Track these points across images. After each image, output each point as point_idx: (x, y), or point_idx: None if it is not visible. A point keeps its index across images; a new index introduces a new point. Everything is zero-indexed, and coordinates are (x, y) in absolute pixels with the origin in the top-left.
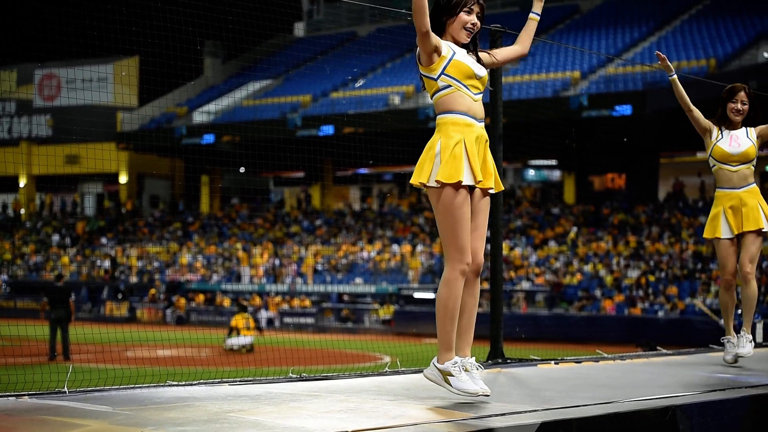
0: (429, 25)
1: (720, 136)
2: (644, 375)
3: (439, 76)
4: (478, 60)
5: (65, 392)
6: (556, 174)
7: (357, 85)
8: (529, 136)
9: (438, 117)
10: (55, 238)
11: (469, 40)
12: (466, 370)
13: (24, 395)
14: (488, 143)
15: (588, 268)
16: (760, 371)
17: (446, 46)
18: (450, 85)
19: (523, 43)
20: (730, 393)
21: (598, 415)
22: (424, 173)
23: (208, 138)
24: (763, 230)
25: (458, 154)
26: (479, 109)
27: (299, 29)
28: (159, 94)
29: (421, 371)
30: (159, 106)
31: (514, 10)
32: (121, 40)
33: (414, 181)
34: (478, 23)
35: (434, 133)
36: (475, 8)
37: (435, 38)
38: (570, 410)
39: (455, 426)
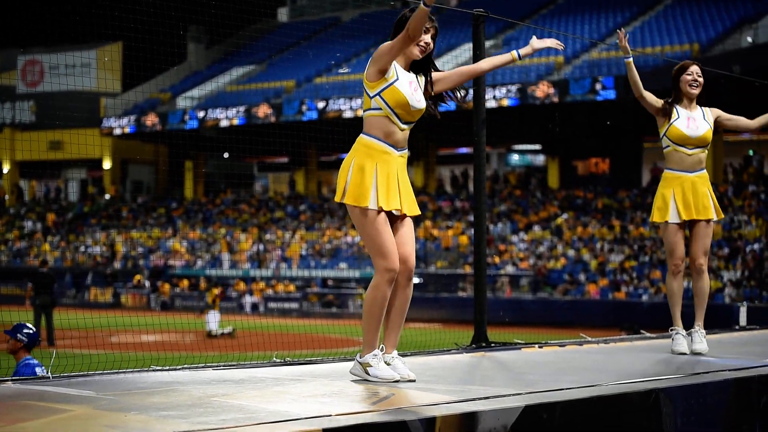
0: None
1: (677, 116)
2: (628, 358)
3: (374, 95)
4: (428, 82)
5: (49, 377)
6: (540, 159)
7: (341, 70)
8: (513, 121)
9: (360, 135)
10: (38, 225)
11: (421, 57)
12: (388, 364)
13: (7, 380)
14: (405, 172)
15: (572, 252)
16: (743, 354)
17: (393, 69)
18: (380, 108)
19: (483, 67)
20: (713, 376)
21: (581, 399)
22: (338, 191)
23: (192, 123)
24: (712, 220)
25: (367, 180)
26: (401, 139)
27: (283, 14)
28: (142, 80)
29: (405, 355)
30: (142, 91)
31: None
32: (104, 25)
33: (336, 198)
34: (432, 44)
35: (351, 150)
36: (431, 29)
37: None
38: (554, 393)
39: (438, 409)
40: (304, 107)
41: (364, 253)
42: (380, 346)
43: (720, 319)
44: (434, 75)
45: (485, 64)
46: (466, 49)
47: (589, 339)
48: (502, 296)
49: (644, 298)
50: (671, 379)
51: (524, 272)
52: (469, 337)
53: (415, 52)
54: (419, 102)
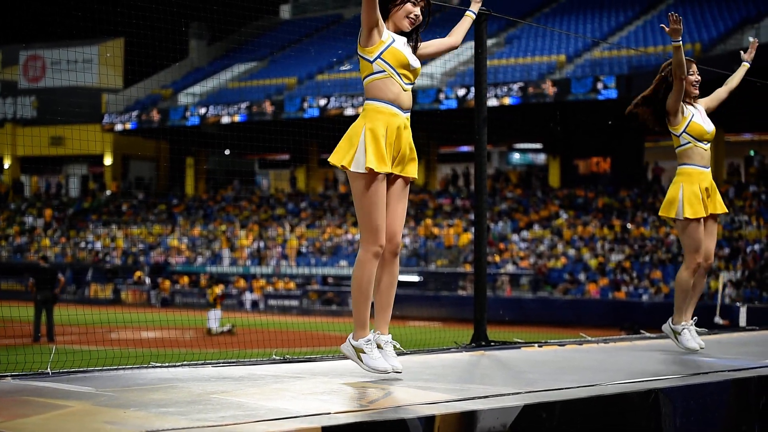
0: None
1: (691, 113)
2: (628, 358)
3: (375, 59)
4: (415, 48)
5: (48, 373)
6: (541, 157)
7: (343, 68)
8: (514, 119)
9: (366, 102)
10: (39, 220)
11: (411, 29)
12: (380, 348)
13: (7, 376)
14: (409, 132)
15: (572, 251)
16: (742, 355)
17: (387, 32)
18: (384, 71)
19: (455, 36)
20: (712, 376)
21: (581, 398)
22: (347, 156)
23: (194, 120)
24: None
25: (380, 143)
26: (407, 99)
27: (285, 11)
28: (144, 76)
29: (404, 354)
30: (144, 87)
31: None
32: (107, 21)
33: (334, 161)
34: (421, 16)
35: (359, 118)
36: (421, 2)
37: (378, 13)
38: (553, 393)
39: (438, 408)
40: (305, 104)
41: None
42: (373, 329)
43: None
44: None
45: (460, 33)
46: (468, 47)
47: (589, 338)
48: (503, 295)
49: (644, 297)
50: (671, 379)
51: (524, 271)
52: (468, 335)
53: (405, 24)
54: (416, 61)
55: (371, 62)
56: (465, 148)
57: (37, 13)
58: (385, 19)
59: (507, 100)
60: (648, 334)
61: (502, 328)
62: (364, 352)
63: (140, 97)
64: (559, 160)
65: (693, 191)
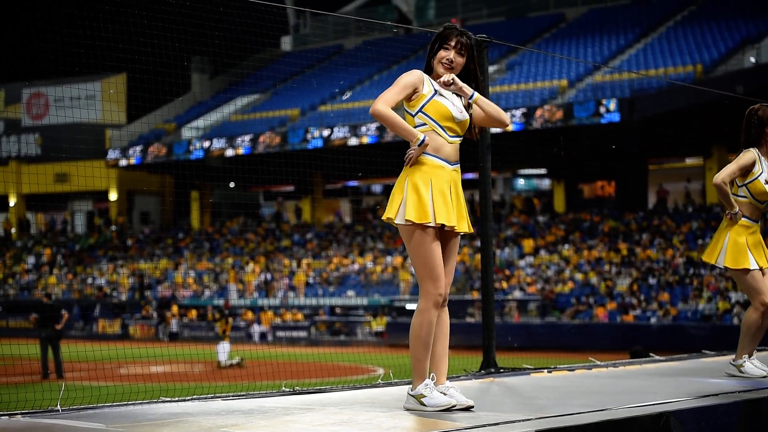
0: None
1: (761, 169)
2: (637, 382)
3: (417, 113)
4: (469, 105)
5: (58, 410)
6: (546, 183)
7: (345, 97)
8: (518, 145)
9: None
10: (44, 258)
11: (446, 73)
12: (444, 395)
13: (17, 414)
14: (460, 186)
15: (579, 276)
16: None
17: (429, 84)
18: (425, 124)
19: (505, 119)
20: (723, 398)
21: (592, 423)
22: (392, 210)
23: (198, 153)
24: None
25: (424, 195)
26: (452, 152)
27: (286, 43)
28: (147, 111)
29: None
30: (147, 122)
31: (500, 19)
32: (109, 57)
33: (384, 216)
34: (459, 59)
35: (403, 170)
36: (455, 45)
37: (403, 93)
38: (564, 418)
39: None
40: (309, 135)
41: (371, 281)
42: (431, 375)
43: (730, 341)
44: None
45: (503, 116)
46: None
47: (599, 363)
48: (510, 321)
49: (653, 320)
50: (681, 402)
51: (532, 297)
52: (478, 362)
53: (440, 70)
54: (462, 113)
55: (413, 116)
56: (469, 175)
57: (39, 50)
58: (431, 71)
59: (510, 127)
60: (657, 357)
61: (511, 355)
62: (425, 395)
63: (144, 131)
64: (563, 185)
65: (737, 241)
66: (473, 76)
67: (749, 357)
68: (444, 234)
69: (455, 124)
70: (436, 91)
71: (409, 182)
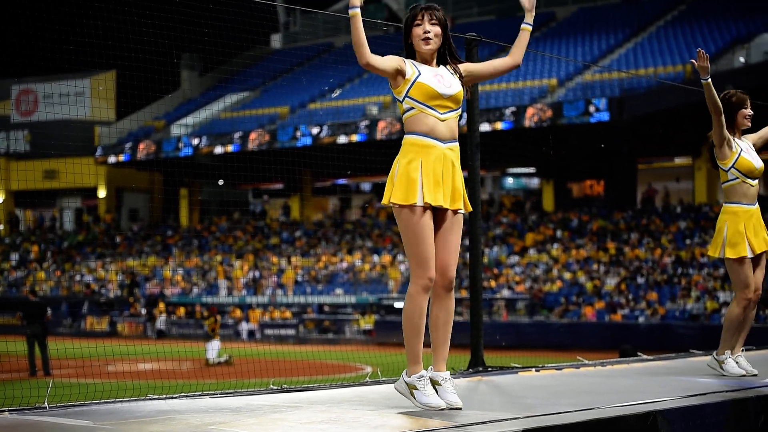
0: (368, 56)
1: (739, 147)
2: (625, 381)
3: (404, 98)
4: (457, 72)
5: (46, 407)
6: (535, 182)
7: (334, 95)
8: (507, 144)
9: (404, 136)
10: (32, 254)
11: (428, 47)
12: (438, 385)
13: (4, 411)
14: (456, 164)
15: (568, 275)
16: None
17: (412, 67)
18: (413, 107)
19: (514, 55)
20: (711, 397)
21: (579, 422)
22: (386, 193)
23: (187, 150)
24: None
25: (413, 175)
26: (444, 129)
27: (276, 41)
28: (136, 108)
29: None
30: (137, 119)
31: (490, 18)
32: (98, 54)
33: (383, 201)
34: (433, 29)
35: (398, 154)
36: (426, 18)
37: (388, 63)
38: (551, 417)
39: None
40: (298, 133)
41: (360, 279)
42: (429, 368)
43: (718, 340)
44: (467, 66)
45: (518, 52)
46: None
47: (587, 362)
48: (499, 320)
49: (641, 320)
50: (669, 401)
51: (520, 296)
52: (466, 361)
53: (422, 47)
54: (449, 88)
55: (401, 101)
56: None
57: (28, 46)
58: (414, 54)
59: (499, 125)
60: (645, 357)
61: (499, 353)
62: (417, 389)
63: (133, 129)
64: (552, 184)
65: (738, 230)
66: (446, 42)
67: (732, 353)
68: (440, 214)
69: (445, 99)
70: (420, 72)
71: (399, 165)
